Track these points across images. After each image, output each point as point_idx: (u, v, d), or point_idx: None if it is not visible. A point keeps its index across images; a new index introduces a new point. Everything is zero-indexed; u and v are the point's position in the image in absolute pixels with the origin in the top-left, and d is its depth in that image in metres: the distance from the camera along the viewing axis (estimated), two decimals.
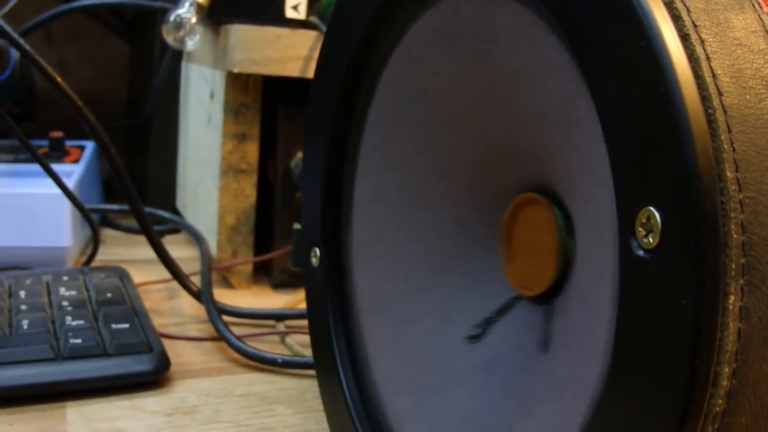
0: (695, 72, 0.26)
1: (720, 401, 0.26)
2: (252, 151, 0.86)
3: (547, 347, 0.38)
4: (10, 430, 0.55)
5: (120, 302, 0.70)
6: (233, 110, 0.85)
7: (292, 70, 0.82)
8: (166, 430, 0.56)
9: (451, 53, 0.41)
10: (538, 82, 0.35)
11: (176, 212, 1.07)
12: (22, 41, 0.67)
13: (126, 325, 0.65)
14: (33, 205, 0.85)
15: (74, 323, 0.65)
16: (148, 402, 0.60)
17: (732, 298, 0.25)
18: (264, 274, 0.93)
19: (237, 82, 0.84)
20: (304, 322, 0.71)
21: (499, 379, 0.40)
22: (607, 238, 0.29)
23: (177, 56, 1.08)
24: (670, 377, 0.25)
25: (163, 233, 1.06)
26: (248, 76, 0.84)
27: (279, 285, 0.90)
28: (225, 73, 0.84)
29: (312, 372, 0.67)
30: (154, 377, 0.62)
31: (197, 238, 0.92)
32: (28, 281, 0.74)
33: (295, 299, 0.84)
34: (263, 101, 0.86)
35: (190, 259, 0.95)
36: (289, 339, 0.73)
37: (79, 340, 0.62)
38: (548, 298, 0.39)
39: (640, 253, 0.26)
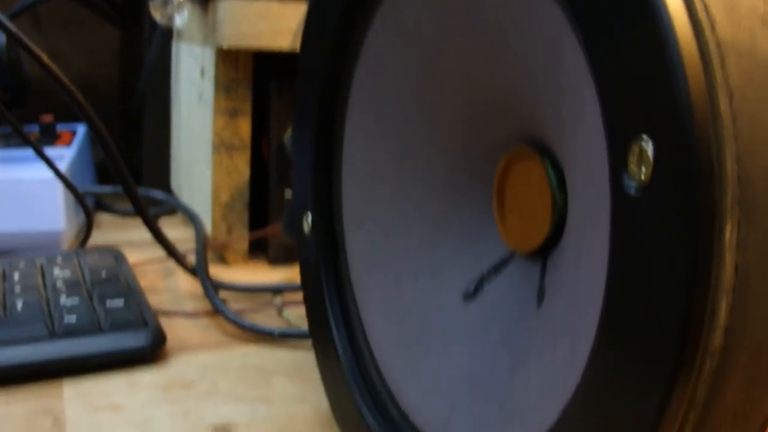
0: (687, 5, 0.25)
1: (718, 337, 0.25)
2: (244, 127, 0.86)
3: (542, 300, 0.37)
4: (7, 409, 0.54)
5: (114, 280, 0.70)
6: (224, 86, 0.84)
7: (283, 43, 0.81)
8: (164, 404, 0.56)
9: (434, 8, 0.40)
10: (522, 28, 0.35)
11: (171, 193, 1.07)
12: (8, 23, 0.66)
13: (121, 302, 0.65)
14: (26, 190, 0.85)
15: (69, 302, 0.65)
16: (145, 377, 0.60)
17: (728, 231, 0.24)
18: (260, 250, 0.92)
19: (227, 58, 0.83)
20: (301, 295, 0.71)
21: (495, 335, 0.40)
22: (599, 183, 0.29)
23: (167, 37, 1.07)
24: (666, 314, 0.25)
25: (158, 215, 1.05)
26: (238, 51, 0.83)
27: (275, 261, 0.89)
28: (215, 50, 0.83)
29: (309, 344, 0.66)
30: (150, 352, 0.62)
31: (191, 217, 0.91)
32: (22, 264, 0.74)
33: (291, 274, 0.84)
34: (254, 77, 0.85)
35: (185, 239, 0.95)
36: (285, 312, 0.73)
37: (73, 319, 0.62)
38: (543, 252, 0.39)
39: (633, 188, 0.26)
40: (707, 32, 0.25)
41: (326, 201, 0.49)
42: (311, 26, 0.48)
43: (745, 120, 0.25)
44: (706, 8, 0.25)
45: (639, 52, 0.25)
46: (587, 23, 0.28)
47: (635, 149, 0.26)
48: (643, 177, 0.25)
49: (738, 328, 0.25)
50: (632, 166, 0.26)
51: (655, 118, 0.25)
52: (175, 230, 1.00)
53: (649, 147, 0.25)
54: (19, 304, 0.64)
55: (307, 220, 0.50)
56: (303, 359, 0.64)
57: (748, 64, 0.25)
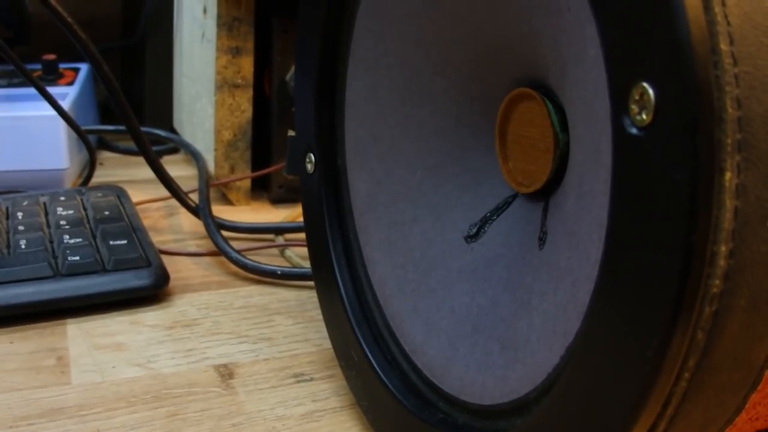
0: None
1: (717, 282, 0.25)
2: (247, 65, 0.85)
3: (544, 242, 0.37)
4: (11, 348, 0.55)
5: (118, 219, 0.70)
6: (227, 24, 0.84)
7: None
8: (167, 343, 0.56)
9: None
10: None
11: (174, 132, 1.07)
12: None
13: (124, 241, 0.65)
14: (29, 127, 0.85)
15: (72, 241, 0.65)
16: (148, 316, 0.60)
17: (728, 174, 0.24)
18: (262, 190, 0.92)
19: None
20: (303, 236, 0.71)
21: (497, 276, 0.40)
22: (600, 123, 0.29)
23: None
24: (666, 256, 0.25)
25: (161, 153, 1.05)
26: None
27: (277, 200, 0.90)
28: None
29: (311, 284, 0.67)
30: (154, 291, 0.63)
31: (194, 156, 0.91)
32: (25, 203, 0.74)
33: (293, 214, 0.84)
34: (257, 14, 0.85)
35: (188, 177, 0.95)
36: (288, 251, 0.73)
37: (77, 258, 0.62)
38: (546, 193, 0.39)
39: (634, 131, 0.26)
40: None
41: (329, 140, 0.49)
42: None
43: (747, 61, 0.25)
44: None
45: None
46: None
47: (637, 92, 0.25)
48: (644, 119, 0.25)
49: (737, 273, 0.25)
50: (633, 109, 0.26)
51: (656, 62, 0.25)
52: (177, 168, 1.00)
53: (650, 91, 0.25)
54: (23, 243, 0.64)
55: (310, 159, 0.50)
56: (305, 299, 0.65)
57: (748, 5, 0.25)
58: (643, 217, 0.26)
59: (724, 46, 0.24)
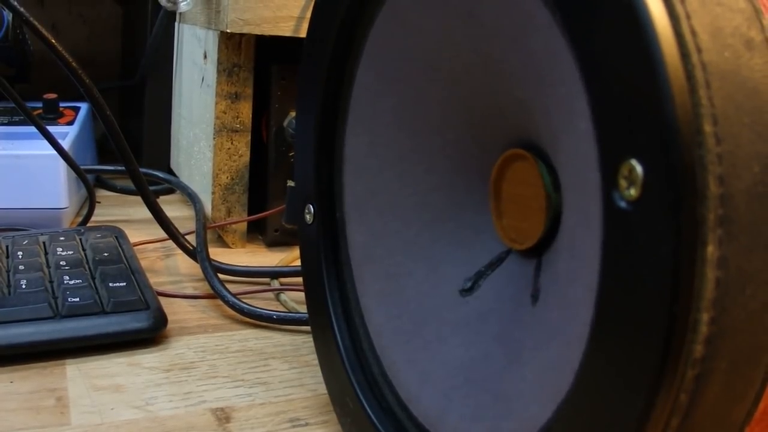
0: (675, 30, 0.27)
1: (699, 347, 0.27)
2: (245, 110, 0.87)
3: (537, 299, 0.38)
4: (11, 388, 0.55)
5: (116, 261, 0.71)
6: (226, 70, 0.85)
7: (285, 29, 0.82)
8: (164, 385, 0.57)
9: (436, 10, 0.41)
10: (520, 39, 0.36)
11: (171, 173, 1.08)
12: (14, 2, 0.67)
13: (123, 284, 0.66)
14: (28, 166, 0.86)
15: (72, 282, 0.66)
16: (146, 358, 0.61)
17: (710, 247, 0.26)
18: (258, 233, 0.94)
19: (230, 42, 0.84)
20: (299, 280, 0.72)
21: (490, 330, 0.41)
22: (591, 191, 0.30)
23: (170, 17, 1.08)
24: (651, 324, 0.26)
25: (157, 193, 1.06)
26: (241, 36, 0.84)
27: (273, 243, 0.91)
28: (218, 34, 0.84)
29: (307, 328, 0.68)
30: (152, 334, 0.63)
31: (192, 198, 0.92)
32: (25, 242, 0.75)
33: (289, 257, 0.85)
34: (256, 61, 0.86)
35: (185, 218, 0.96)
36: (283, 296, 0.74)
37: (77, 299, 0.63)
38: (538, 251, 0.40)
39: (623, 205, 0.27)
40: (694, 56, 0.26)
41: (328, 193, 0.50)
42: (317, 19, 0.49)
43: (729, 141, 0.26)
44: (693, 32, 0.27)
45: (630, 77, 0.27)
46: (581, 43, 0.29)
47: (626, 168, 0.27)
48: (632, 194, 0.27)
49: (718, 338, 0.27)
50: (622, 185, 0.27)
51: (644, 141, 0.26)
52: (173, 208, 1.01)
53: (638, 168, 0.26)
54: (23, 283, 0.65)
55: (309, 210, 0.51)
56: (300, 343, 0.66)
57: (731, 87, 0.27)
58: (630, 285, 0.27)
59: (708, 128, 0.26)
